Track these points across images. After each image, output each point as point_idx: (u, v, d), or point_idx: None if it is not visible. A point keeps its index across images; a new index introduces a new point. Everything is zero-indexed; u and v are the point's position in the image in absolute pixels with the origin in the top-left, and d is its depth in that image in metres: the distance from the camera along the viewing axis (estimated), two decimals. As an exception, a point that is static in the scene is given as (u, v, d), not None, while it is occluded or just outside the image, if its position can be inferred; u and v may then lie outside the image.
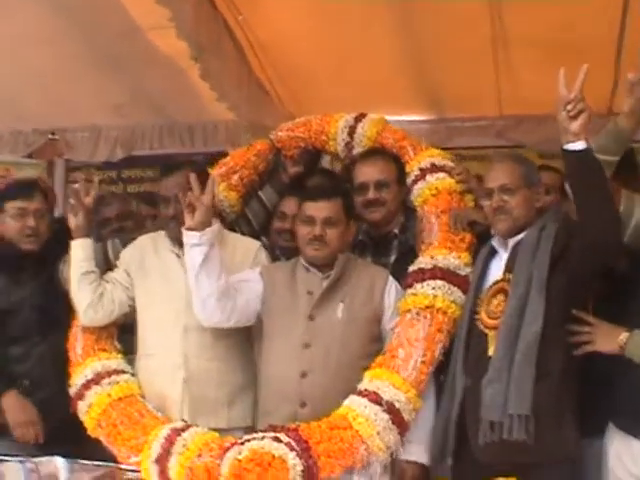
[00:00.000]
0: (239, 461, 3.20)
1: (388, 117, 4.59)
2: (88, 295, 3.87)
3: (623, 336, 3.32)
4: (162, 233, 4.00)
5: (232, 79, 5.28)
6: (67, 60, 5.37)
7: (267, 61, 5.63)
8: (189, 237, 3.59)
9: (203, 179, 3.66)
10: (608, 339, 3.36)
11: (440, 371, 3.66)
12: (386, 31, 5.03)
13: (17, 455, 3.53)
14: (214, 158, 4.65)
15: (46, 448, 3.74)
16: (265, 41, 5.38)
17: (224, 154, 4.70)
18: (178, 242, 3.83)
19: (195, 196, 3.56)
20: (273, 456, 3.19)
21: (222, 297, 3.62)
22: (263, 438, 3.28)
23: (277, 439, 3.27)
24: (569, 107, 3.15)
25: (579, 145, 3.15)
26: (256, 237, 4.26)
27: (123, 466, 3.56)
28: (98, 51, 5.32)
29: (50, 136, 6.87)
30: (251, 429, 3.68)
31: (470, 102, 5.94)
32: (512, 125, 6.24)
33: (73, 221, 3.92)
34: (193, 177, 3.60)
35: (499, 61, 5.31)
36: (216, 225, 3.65)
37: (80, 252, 3.90)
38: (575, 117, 3.15)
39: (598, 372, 3.40)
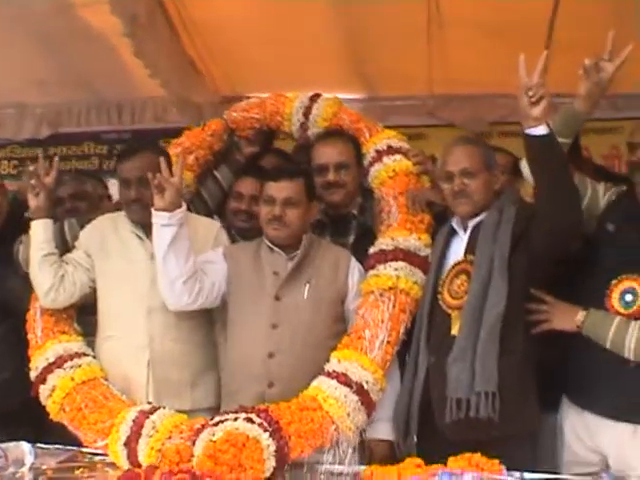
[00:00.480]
0: (213, 442, 3.19)
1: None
2: (49, 277, 3.81)
3: (580, 315, 3.43)
4: (122, 214, 3.95)
5: (164, 57, 5.25)
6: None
7: (199, 40, 5.60)
8: (159, 217, 3.57)
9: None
10: (565, 318, 3.47)
11: (405, 350, 3.71)
12: (321, 10, 5.05)
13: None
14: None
15: (7, 432, 3.68)
16: (198, 19, 5.37)
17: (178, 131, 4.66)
18: (140, 225, 3.83)
19: (164, 177, 3.55)
20: (247, 437, 3.18)
21: (189, 279, 3.62)
22: (236, 419, 3.27)
23: (250, 420, 3.27)
24: (530, 93, 3.20)
25: (541, 130, 3.22)
26: (211, 217, 4.25)
27: (89, 450, 3.55)
28: (27, 27, 5.22)
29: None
30: (215, 410, 3.70)
31: (402, 81, 5.99)
32: (441, 104, 6.33)
33: (34, 202, 3.85)
34: (162, 160, 3.60)
35: (433, 41, 5.38)
36: (184, 206, 3.64)
37: (41, 233, 3.83)
38: (537, 103, 3.20)
39: (551, 348, 3.50)
